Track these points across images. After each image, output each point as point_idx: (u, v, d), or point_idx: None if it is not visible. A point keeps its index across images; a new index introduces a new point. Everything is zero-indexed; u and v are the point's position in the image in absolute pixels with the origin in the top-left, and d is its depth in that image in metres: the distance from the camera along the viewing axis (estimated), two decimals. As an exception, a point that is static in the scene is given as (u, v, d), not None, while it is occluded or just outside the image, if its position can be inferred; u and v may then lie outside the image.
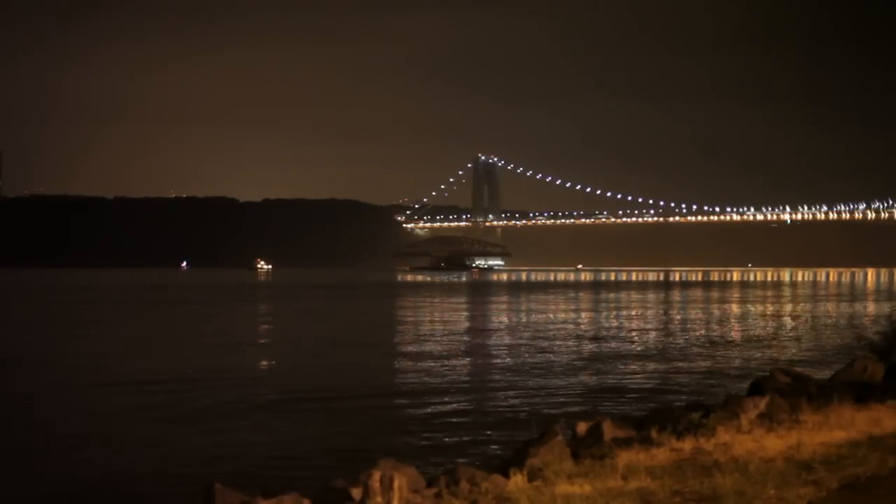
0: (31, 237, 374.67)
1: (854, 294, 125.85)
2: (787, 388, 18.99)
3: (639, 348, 46.62)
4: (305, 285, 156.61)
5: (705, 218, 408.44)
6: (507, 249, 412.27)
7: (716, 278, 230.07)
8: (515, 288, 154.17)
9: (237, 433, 23.79)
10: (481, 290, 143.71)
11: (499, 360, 41.26)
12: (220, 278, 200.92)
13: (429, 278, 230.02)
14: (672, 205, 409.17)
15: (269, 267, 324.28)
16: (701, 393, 29.71)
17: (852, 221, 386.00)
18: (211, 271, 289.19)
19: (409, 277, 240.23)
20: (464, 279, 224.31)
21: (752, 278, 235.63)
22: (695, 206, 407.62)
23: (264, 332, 60.18)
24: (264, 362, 41.03)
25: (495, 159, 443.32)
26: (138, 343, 49.98)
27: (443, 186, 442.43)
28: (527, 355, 42.97)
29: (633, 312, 79.71)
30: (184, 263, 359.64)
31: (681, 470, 12.14)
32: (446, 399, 29.61)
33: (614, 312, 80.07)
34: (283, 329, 61.15)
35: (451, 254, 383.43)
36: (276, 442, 22.63)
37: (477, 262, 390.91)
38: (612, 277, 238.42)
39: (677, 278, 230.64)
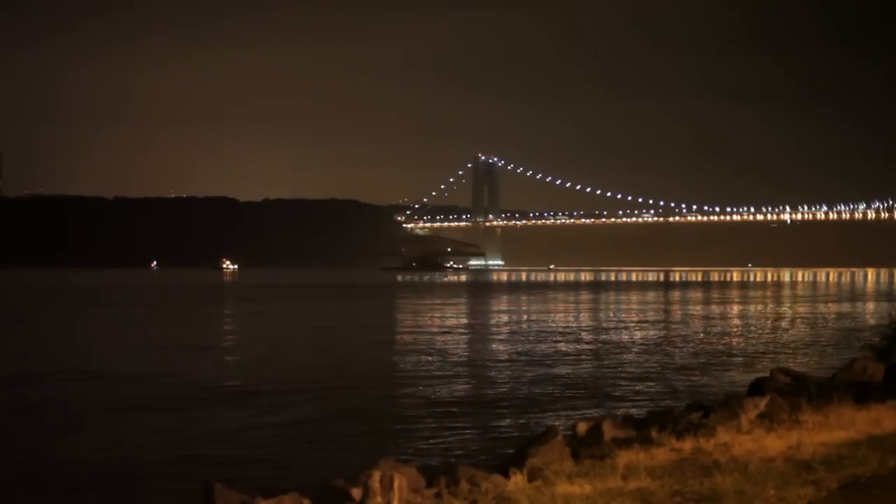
0: (31, 237, 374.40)
1: (854, 294, 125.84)
2: (787, 388, 19.00)
3: (639, 349, 46.60)
4: (272, 286, 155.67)
5: (705, 218, 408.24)
6: (482, 249, 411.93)
7: (716, 278, 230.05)
8: (499, 289, 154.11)
9: (236, 433, 23.76)
10: (468, 291, 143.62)
11: (497, 361, 41.25)
12: (185, 278, 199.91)
13: (399, 278, 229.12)
14: (672, 205, 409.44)
15: (235, 267, 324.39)
16: (701, 393, 29.70)
17: (852, 221, 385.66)
18: (178, 271, 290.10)
19: (405, 278, 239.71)
20: (456, 279, 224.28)
21: (751, 278, 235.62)
22: (695, 206, 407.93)
23: (238, 333, 60.03)
24: (246, 363, 40.95)
25: (495, 159, 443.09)
26: (113, 343, 50.05)
27: (443, 186, 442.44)
28: (524, 356, 42.96)
29: (633, 313, 79.68)
30: (153, 263, 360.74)
31: (681, 470, 12.14)
32: (446, 399, 29.61)
33: (613, 313, 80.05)
34: (262, 330, 61.09)
35: (424, 253, 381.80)
36: (276, 442, 22.61)
37: (471, 263, 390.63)
38: (612, 277, 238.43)
39: (677, 278, 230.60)
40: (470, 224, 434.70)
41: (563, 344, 48.82)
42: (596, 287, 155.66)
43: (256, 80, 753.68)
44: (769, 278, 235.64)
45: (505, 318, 72.32)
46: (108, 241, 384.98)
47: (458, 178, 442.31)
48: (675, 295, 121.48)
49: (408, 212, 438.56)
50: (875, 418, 15.30)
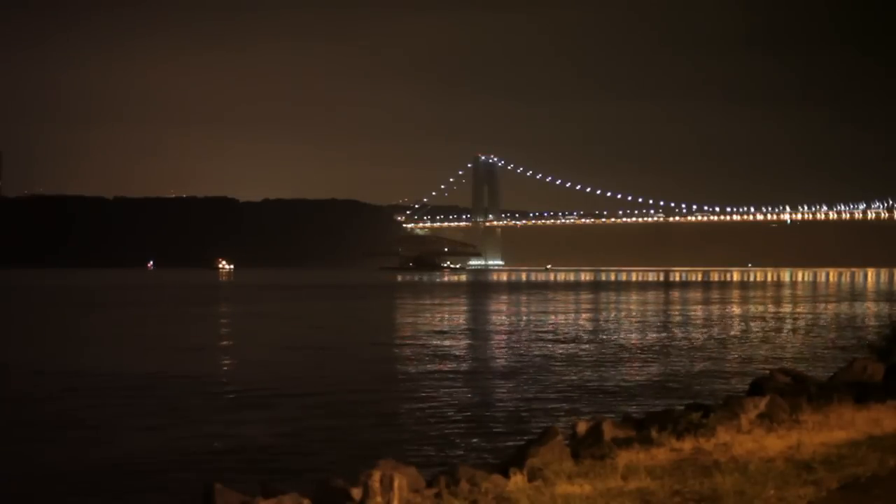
0: (31, 237, 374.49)
1: (854, 294, 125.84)
2: (787, 388, 18.97)
3: (639, 349, 46.61)
4: (268, 286, 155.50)
5: (705, 218, 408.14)
6: (481, 249, 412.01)
7: (716, 278, 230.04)
8: (498, 289, 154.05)
9: (235, 433, 23.77)
10: (466, 292, 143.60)
11: (496, 361, 41.26)
12: (180, 278, 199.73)
13: (399, 278, 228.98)
14: (672, 205, 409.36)
15: (231, 267, 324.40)
16: (701, 393, 29.72)
17: (852, 221, 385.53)
18: (173, 271, 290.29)
19: (405, 278, 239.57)
20: (456, 279, 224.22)
21: (752, 278, 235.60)
22: (695, 206, 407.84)
23: (236, 334, 60.03)
24: (245, 364, 40.96)
25: (495, 159, 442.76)
26: (113, 344, 50.04)
27: (443, 186, 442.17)
28: (523, 357, 42.96)
29: (633, 313, 79.67)
30: (150, 263, 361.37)
31: (681, 470, 12.14)
32: (445, 399, 29.61)
33: (613, 313, 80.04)
34: (260, 331, 61.06)
35: (421, 253, 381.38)
36: (276, 442, 22.61)
37: (471, 263, 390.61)
38: (612, 277, 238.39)
39: (677, 278, 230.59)
40: (470, 224, 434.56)
41: (562, 344, 48.82)
42: (596, 287, 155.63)
43: (256, 80, 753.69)
44: (769, 278, 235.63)
45: (504, 318, 72.31)
46: (107, 241, 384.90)
47: (458, 178, 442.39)
48: (675, 295, 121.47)
49: (408, 212, 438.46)
50: (875, 418, 15.29)
